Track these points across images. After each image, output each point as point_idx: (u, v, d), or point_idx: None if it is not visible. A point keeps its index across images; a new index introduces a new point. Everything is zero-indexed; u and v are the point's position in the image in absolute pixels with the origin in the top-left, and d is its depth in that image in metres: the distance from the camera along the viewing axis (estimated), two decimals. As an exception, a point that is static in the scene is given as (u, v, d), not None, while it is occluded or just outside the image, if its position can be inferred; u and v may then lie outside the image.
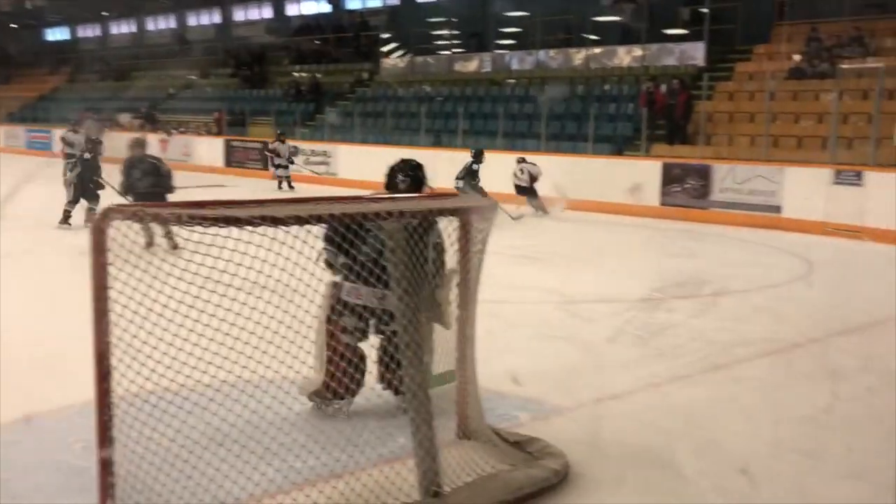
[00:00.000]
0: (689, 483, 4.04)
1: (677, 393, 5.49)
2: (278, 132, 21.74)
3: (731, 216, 15.11)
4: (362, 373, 4.51)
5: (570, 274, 10.22)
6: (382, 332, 4.57)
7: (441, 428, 3.70)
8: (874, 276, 10.52)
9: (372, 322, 4.55)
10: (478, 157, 15.13)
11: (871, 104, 14.88)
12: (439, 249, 4.35)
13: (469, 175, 14.96)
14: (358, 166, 20.22)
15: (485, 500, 3.57)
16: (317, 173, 21.80)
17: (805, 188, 14.34)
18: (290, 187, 20.61)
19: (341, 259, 4.43)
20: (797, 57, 17.52)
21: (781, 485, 4.04)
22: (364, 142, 22.10)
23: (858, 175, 13.69)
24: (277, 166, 21.02)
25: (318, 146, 23.15)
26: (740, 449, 4.49)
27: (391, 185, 4.91)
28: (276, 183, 20.74)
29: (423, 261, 3.71)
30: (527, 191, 15.88)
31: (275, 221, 3.01)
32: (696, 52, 19.42)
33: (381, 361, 4.58)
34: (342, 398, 4.52)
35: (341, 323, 4.53)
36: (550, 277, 9.87)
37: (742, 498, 3.85)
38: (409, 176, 4.91)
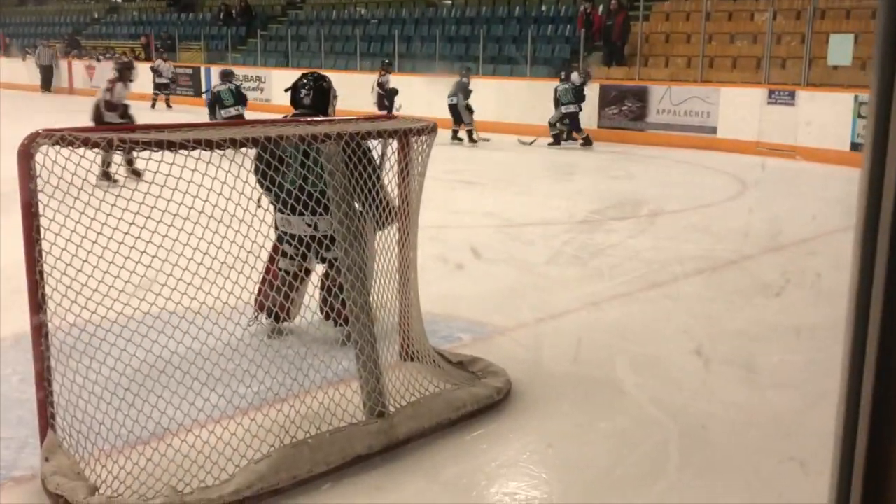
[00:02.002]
0: (627, 397, 4.15)
1: (615, 311, 5.60)
2: (161, 51, 21.55)
3: (667, 137, 15.26)
4: (292, 301, 4.46)
5: (510, 197, 10.26)
6: (328, 260, 4.55)
7: (384, 350, 3.72)
8: (806, 194, 10.78)
9: (311, 250, 4.52)
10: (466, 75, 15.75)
11: (804, 24, 15.03)
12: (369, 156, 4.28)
13: (463, 93, 15.35)
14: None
15: (429, 418, 3.62)
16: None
17: (739, 109, 14.53)
18: (168, 106, 20.76)
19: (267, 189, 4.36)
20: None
21: (715, 396, 4.17)
22: (298, 66, 21.64)
23: (791, 95, 13.90)
24: (158, 85, 21.05)
25: (251, 71, 22.60)
26: (676, 363, 4.61)
27: (295, 100, 4.81)
28: (152, 103, 20.88)
29: (362, 182, 3.68)
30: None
31: (208, 145, 2.95)
32: (634, -28, 19.28)
33: (322, 288, 4.56)
34: (268, 318, 4.59)
35: (282, 248, 4.53)
36: (490, 201, 9.90)
37: (678, 409, 3.97)
38: (311, 89, 4.79)
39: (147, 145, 2.81)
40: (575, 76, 15.30)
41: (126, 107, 10.97)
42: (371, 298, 3.71)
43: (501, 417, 3.85)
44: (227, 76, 14.51)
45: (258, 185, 4.20)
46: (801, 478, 3.26)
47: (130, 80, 11.46)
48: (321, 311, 4.47)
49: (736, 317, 5.52)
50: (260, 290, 4.41)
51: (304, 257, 4.50)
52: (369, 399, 3.55)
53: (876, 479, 0.54)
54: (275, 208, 4.50)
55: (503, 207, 9.28)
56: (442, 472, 3.36)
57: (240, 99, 14.07)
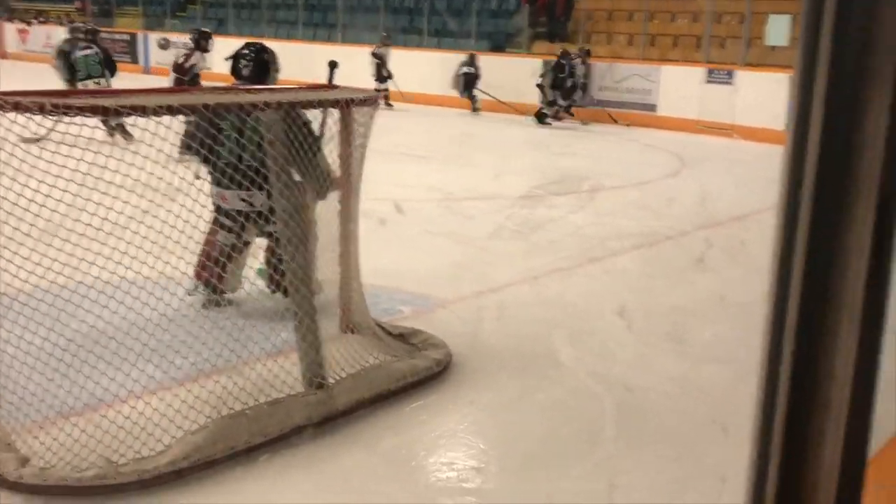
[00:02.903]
0: (564, 369, 4.21)
1: (555, 285, 5.66)
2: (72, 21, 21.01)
3: (609, 114, 15.39)
4: (230, 273, 4.38)
5: (452, 171, 10.26)
6: (268, 234, 4.50)
7: (324, 322, 3.71)
8: (742, 172, 10.99)
9: (250, 224, 4.47)
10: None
11: (743, 4, 15.25)
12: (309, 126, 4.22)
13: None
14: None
15: (368, 389, 3.63)
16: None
17: (679, 87, 14.72)
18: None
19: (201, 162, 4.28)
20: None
21: (651, 368, 4.26)
22: (238, 34, 21.23)
23: (730, 74, 14.13)
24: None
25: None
26: (613, 337, 4.69)
27: (234, 70, 4.75)
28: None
29: (302, 152, 3.65)
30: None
31: (144, 112, 2.88)
32: (578, -52, 19.32)
33: (268, 263, 4.52)
34: (206, 289, 4.49)
35: (220, 221, 4.47)
36: (432, 175, 9.89)
37: (614, 381, 4.05)
38: (251, 60, 4.72)
39: (80, 111, 2.74)
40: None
41: (196, 76, 11.17)
42: (312, 270, 3.70)
43: (441, 389, 3.88)
44: (77, 32, 11.73)
45: (196, 156, 4.13)
46: (726, 444, 3.36)
47: (206, 50, 11.47)
48: (270, 280, 4.44)
49: (671, 292, 5.63)
50: (199, 261, 4.36)
51: (242, 229, 4.45)
52: (309, 370, 3.54)
53: (794, 449, 0.57)
54: (211, 180, 4.44)
55: (446, 181, 9.28)
56: (381, 443, 3.38)
57: (108, 67, 11.47)
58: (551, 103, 14.84)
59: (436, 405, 3.74)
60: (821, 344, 0.56)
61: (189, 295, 4.39)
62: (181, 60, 11.29)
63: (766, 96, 13.36)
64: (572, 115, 15.03)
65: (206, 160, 4.17)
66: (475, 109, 16.23)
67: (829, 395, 0.56)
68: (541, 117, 14.76)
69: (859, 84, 0.53)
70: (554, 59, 15.07)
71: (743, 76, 14.05)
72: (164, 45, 20.45)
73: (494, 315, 4.96)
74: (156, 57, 22.24)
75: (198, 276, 4.47)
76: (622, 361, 4.32)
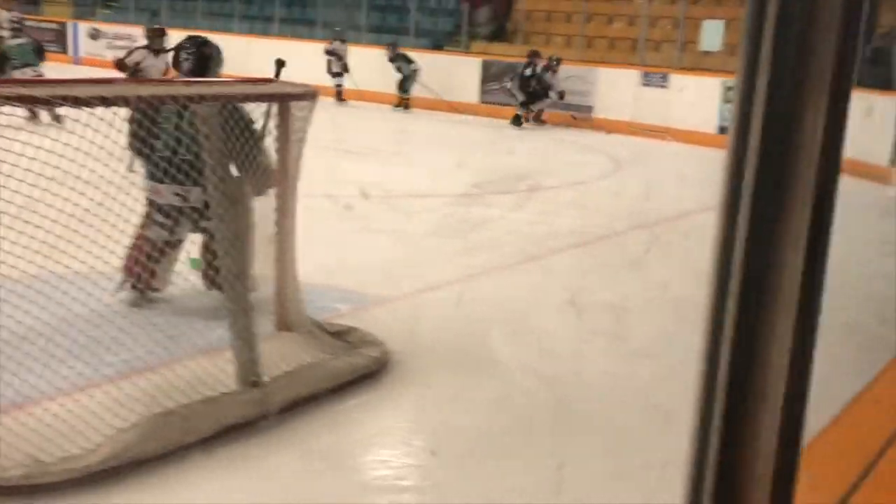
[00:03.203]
0: (502, 366, 4.24)
1: (493, 283, 5.70)
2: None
3: (547, 114, 15.52)
4: (161, 270, 4.34)
5: (392, 168, 10.24)
6: (203, 230, 4.41)
7: (260, 319, 3.67)
8: (675, 174, 11.20)
9: (184, 220, 4.40)
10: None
11: (678, 9, 15.54)
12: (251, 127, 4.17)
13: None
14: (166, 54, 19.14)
15: (304, 388, 3.60)
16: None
17: (616, 89, 14.92)
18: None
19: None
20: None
21: (589, 364, 4.31)
22: (172, 26, 20.86)
23: (664, 77, 14.38)
24: None
25: (122, 29, 21.64)
26: (551, 333, 4.74)
27: (175, 63, 4.68)
28: None
29: (240, 146, 3.60)
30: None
31: (76, 101, 2.81)
32: (517, -51, 19.46)
33: (203, 259, 4.44)
34: (135, 287, 4.40)
35: (153, 217, 4.38)
36: (372, 171, 9.85)
37: (551, 377, 4.09)
38: (192, 53, 4.65)
39: (7, 100, 2.66)
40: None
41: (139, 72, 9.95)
42: (248, 266, 3.65)
43: (378, 387, 3.87)
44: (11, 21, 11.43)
45: (130, 149, 4.04)
46: (663, 436, 3.42)
47: (157, 50, 10.09)
48: (204, 276, 4.36)
49: (608, 289, 5.71)
50: (129, 256, 4.27)
51: (176, 226, 4.37)
52: (243, 368, 3.50)
53: (732, 438, 0.58)
54: (146, 174, 4.35)
55: (386, 178, 9.25)
56: (317, 442, 3.35)
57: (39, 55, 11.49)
58: (523, 104, 14.85)
59: (373, 403, 3.73)
60: (758, 337, 0.58)
61: (117, 291, 4.30)
62: (123, 56, 10.41)
63: (699, 100, 13.63)
64: (543, 121, 15.14)
65: (140, 153, 4.09)
66: (406, 106, 16.28)
67: (765, 386, 0.58)
68: (516, 120, 14.77)
69: (797, 88, 0.54)
70: (523, 61, 15.12)
71: (677, 80, 14.31)
72: (95, 35, 19.92)
73: (433, 313, 4.96)
74: (86, 47, 21.72)
75: (128, 272, 4.38)
76: (560, 357, 4.37)
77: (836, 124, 0.55)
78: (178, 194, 4.23)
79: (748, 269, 0.57)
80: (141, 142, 3.88)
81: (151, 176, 4.25)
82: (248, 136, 3.70)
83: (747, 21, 0.55)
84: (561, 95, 14.82)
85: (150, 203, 4.38)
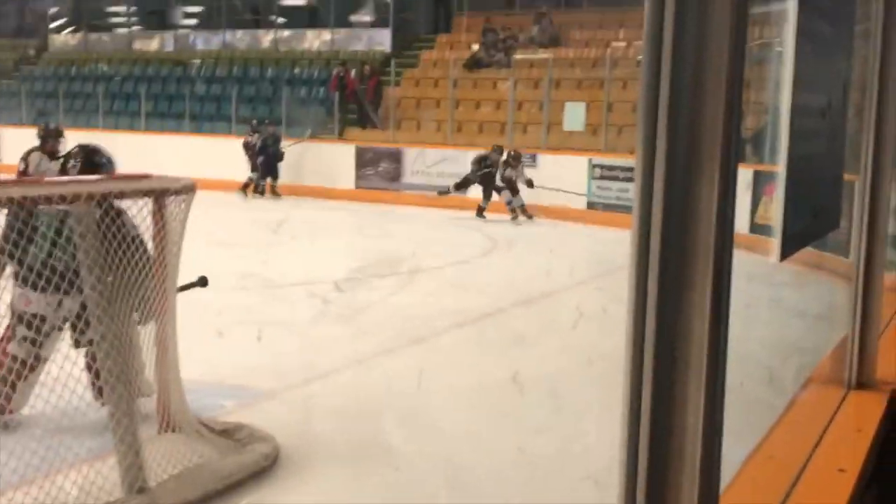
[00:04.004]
0: (396, 451, 4.20)
1: (381, 367, 5.67)
2: None
3: (422, 197, 15.79)
4: (19, 390, 3.92)
5: (270, 257, 10.11)
6: (85, 343, 3.99)
7: (143, 421, 3.53)
8: (550, 250, 11.51)
9: (54, 334, 4.06)
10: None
11: (542, 93, 16.22)
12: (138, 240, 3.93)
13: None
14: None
15: (193, 490, 3.47)
16: None
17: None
18: None
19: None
20: (475, 46, 18.65)
21: (481, 443, 4.33)
22: (34, 124, 20.25)
23: (533, 157, 14.90)
24: None
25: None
26: (443, 415, 4.73)
27: (63, 172, 4.45)
28: None
29: (121, 250, 3.49)
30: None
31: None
32: (383, 39, 20.00)
33: (89, 371, 4.03)
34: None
35: (16, 331, 4.02)
36: (249, 261, 9.71)
37: (446, 458, 4.07)
38: (80, 161, 4.40)
39: None
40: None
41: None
42: (129, 368, 3.51)
43: (270, 484, 3.76)
44: None
45: (1, 253, 3.80)
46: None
47: (53, 153, 8.87)
48: (96, 392, 4.02)
49: (495, 366, 5.76)
50: None
51: (45, 340, 4.02)
52: (128, 474, 3.34)
53: (656, 495, 0.61)
54: (14, 282, 4.04)
55: (262, 267, 9.14)
56: (210, 546, 3.22)
57: None
58: (487, 197, 14.30)
59: (266, 501, 3.62)
60: (673, 401, 0.61)
61: None
62: (21, 167, 9.31)
63: (567, 178, 14.15)
64: (530, 215, 14.12)
65: (11, 257, 3.86)
66: (275, 193, 16.38)
67: (683, 447, 0.61)
68: (479, 212, 14.20)
69: (691, 163, 0.59)
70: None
71: (545, 159, 14.84)
72: None
73: (322, 402, 4.89)
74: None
75: None
76: (453, 439, 4.36)
77: (727, 194, 0.60)
78: (49, 303, 3.98)
79: (659, 338, 0.61)
80: (14, 245, 3.68)
81: (24, 281, 3.99)
82: (124, 234, 3.59)
83: (641, 102, 0.60)
84: (529, 184, 14.12)
85: (15, 315, 4.05)
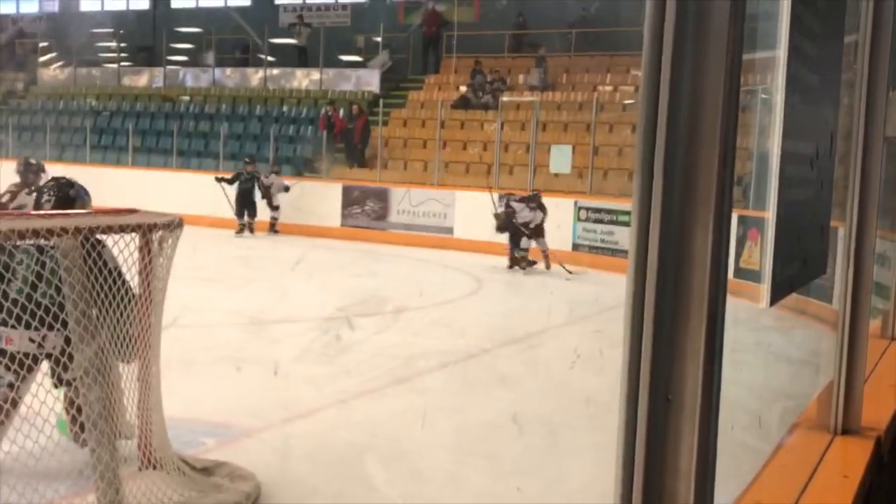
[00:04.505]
0: (378, 493, 4.17)
1: (364, 407, 5.63)
2: None
3: (408, 237, 15.81)
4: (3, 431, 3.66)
5: (253, 294, 10.10)
6: (66, 383, 3.83)
7: (124, 458, 3.48)
8: (534, 292, 11.54)
9: (32, 374, 3.81)
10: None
11: (528, 135, 16.35)
12: (116, 272, 3.83)
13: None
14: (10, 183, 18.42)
15: (174, 530, 3.41)
16: None
17: (473, 211, 15.39)
18: None
19: None
20: (463, 88, 18.81)
21: (464, 486, 4.29)
22: (19, 157, 20.21)
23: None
24: None
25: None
26: (425, 457, 4.70)
27: (37, 206, 4.37)
28: None
29: (102, 282, 3.47)
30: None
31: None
32: (372, 79, 20.17)
33: (69, 416, 3.92)
34: None
35: None
36: (233, 298, 9.68)
37: (429, 501, 4.03)
38: (53, 195, 4.29)
39: None
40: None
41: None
42: (111, 405, 3.47)
43: (251, 523, 3.71)
44: None
45: None
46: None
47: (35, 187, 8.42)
48: (75, 437, 3.90)
49: (479, 408, 5.74)
50: None
51: (24, 381, 3.78)
52: (107, 513, 3.29)
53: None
54: None
55: (246, 305, 9.11)
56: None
57: None
58: (515, 246, 13.07)
59: (246, 541, 3.56)
60: (667, 442, 0.62)
61: None
62: (5, 199, 9.10)
63: (553, 219, 14.21)
64: (531, 262, 12.99)
65: None
66: (251, 230, 16.15)
67: (676, 489, 0.62)
68: (512, 263, 13.08)
69: (686, 210, 0.61)
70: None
71: (530, 201, 14.91)
72: None
73: (304, 441, 4.84)
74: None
75: None
76: (435, 481, 4.33)
77: (720, 240, 0.61)
78: (32, 340, 3.88)
79: (654, 380, 0.61)
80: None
81: (3, 322, 3.81)
82: (110, 269, 3.56)
83: (638, 149, 0.62)
84: (532, 231, 12.94)
85: None
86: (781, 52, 0.93)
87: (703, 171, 0.60)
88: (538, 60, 18.65)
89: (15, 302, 3.66)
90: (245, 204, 16.04)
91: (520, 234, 12.82)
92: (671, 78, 0.59)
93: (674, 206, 0.61)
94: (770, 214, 0.96)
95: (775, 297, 0.99)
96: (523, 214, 12.84)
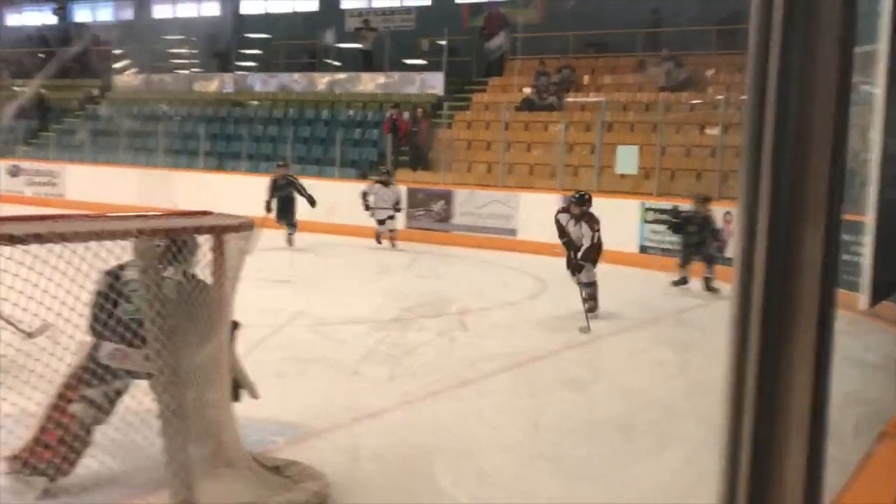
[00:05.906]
0: (445, 494, 4.16)
1: (429, 409, 5.64)
2: None
3: (471, 238, 15.80)
4: (78, 453, 3.70)
5: (320, 296, 10.19)
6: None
7: (197, 456, 3.54)
8: (602, 293, 11.38)
9: (119, 398, 3.88)
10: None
11: (594, 136, 16.20)
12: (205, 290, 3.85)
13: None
14: (88, 187, 18.98)
15: (245, 528, 3.46)
16: None
17: (537, 212, 15.30)
18: None
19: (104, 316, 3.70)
20: (528, 89, 18.73)
21: (530, 489, 4.26)
22: (95, 161, 20.81)
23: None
24: None
25: (42, 165, 21.48)
26: (490, 459, 4.68)
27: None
28: None
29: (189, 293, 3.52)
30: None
31: (11, 240, 2.76)
32: (436, 82, 20.22)
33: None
34: (44, 474, 3.65)
35: (82, 391, 3.77)
36: (300, 300, 9.78)
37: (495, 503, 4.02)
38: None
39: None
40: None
41: None
42: (185, 402, 3.54)
43: (321, 523, 3.74)
44: None
45: (91, 332, 3.67)
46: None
47: None
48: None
49: (544, 411, 5.69)
50: (41, 441, 3.67)
51: (107, 411, 3.83)
52: (181, 510, 3.35)
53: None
54: (100, 339, 3.76)
55: (314, 306, 9.20)
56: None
57: None
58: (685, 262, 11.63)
59: (315, 540, 3.59)
60: (774, 455, 0.59)
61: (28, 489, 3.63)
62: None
63: (618, 221, 14.05)
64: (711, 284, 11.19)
65: (101, 336, 3.71)
66: (290, 242, 14.65)
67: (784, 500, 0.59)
68: (679, 282, 11.62)
69: (795, 216, 0.58)
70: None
71: (597, 202, 14.74)
72: (15, 172, 19.70)
73: (371, 442, 4.86)
74: (5, 185, 21.40)
75: (35, 461, 3.67)
76: (501, 484, 4.31)
77: (831, 242, 0.58)
78: (147, 358, 3.62)
79: (761, 388, 0.59)
80: (102, 325, 3.62)
81: (118, 339, 3.74)
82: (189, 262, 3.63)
83: (745, 153, 0.59)
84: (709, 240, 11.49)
85: (92, 374, 3.75)
86: (883, 45, 0.89)
87: (813, 173, 0.57)
88: (659, 59, 17.76)
89: (130, 321, 3.66)
90: (284, 214, 14.51)
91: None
92: (778, 75, 0.57)
93: (783, 209, 0.58)
94: (869, 216, 0.92)
95: (876, 298, 0.95)
96: (572, 229, 10.08)
